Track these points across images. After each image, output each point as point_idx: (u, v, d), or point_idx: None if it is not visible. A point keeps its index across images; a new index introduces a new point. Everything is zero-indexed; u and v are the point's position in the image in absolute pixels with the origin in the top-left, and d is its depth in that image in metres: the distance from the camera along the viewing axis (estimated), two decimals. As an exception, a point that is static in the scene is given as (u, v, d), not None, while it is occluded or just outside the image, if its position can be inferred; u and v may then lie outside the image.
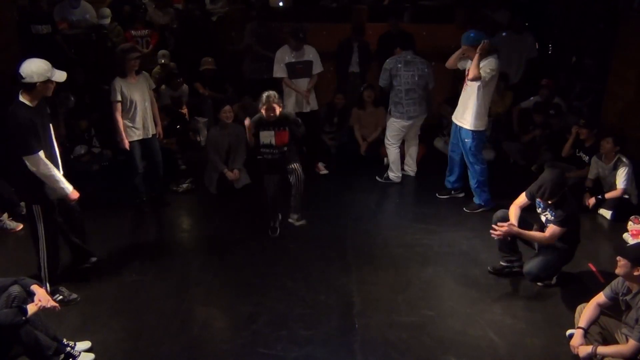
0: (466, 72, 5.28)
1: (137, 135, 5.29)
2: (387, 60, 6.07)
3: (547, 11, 8.13)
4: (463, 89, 5.45)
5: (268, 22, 7.63)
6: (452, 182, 5.90)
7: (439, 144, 7.15)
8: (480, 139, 5.49)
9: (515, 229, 4.17)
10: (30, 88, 3.71)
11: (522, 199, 4.33)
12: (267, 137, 4.71)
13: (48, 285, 4.02)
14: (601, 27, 7.36)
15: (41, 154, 3.73)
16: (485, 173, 5.53)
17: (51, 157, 3.87)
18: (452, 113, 5.71)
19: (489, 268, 4.54)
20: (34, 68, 3.69)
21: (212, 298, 4.25)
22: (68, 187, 3.92)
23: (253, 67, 7.62)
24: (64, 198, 3.97)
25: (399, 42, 6.40)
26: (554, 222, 4.09)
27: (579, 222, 4.27)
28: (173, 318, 3.95)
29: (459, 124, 5.48)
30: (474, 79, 5.14)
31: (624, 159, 5.38)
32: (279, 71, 6.14)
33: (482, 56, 5.10)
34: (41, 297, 3.27)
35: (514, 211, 4.29)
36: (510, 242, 4.38)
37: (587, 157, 5.84)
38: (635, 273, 3.24)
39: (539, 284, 4.33)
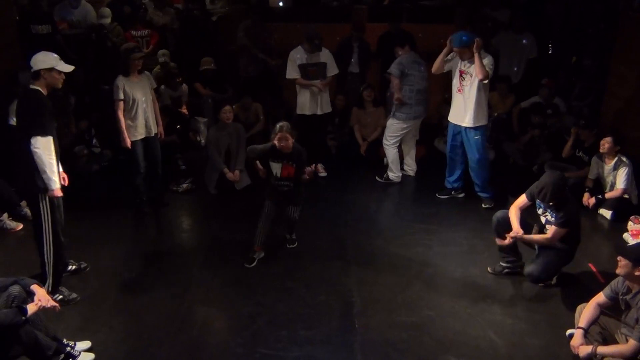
0: (459, 74, 5.32)
1: (139, 134, 5.29)
2: (404, 57, 5.95)
3: (547, 11, 8.13)
4: (458, 91, 5.44)
5: (261, 22, 7.61)
6: (452, 182, 5.90)
7: (439, 144, 7.15)
8: (485, 132, 5.60)
9: (520, 236, 4.19)
10: (36, 76, 3.83)
11: (522, 200, 4.32)
12: (274, 167, 4.66)
13: (51, 282, 3.99)
14: (601, 27, 7.36)
15: (51, 139, 3.77)
16: (490, 168, 5.66)
17: (57, 149, 3.91)
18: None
19: (489, 268, 4.55)
20: (39, 57, 3.85)
21: (212, 298, 4.25)
22: (57, 183, 3.87)
23: (247, 66, 7.61)
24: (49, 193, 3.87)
25: (404, 42, 6.28)
26: (556, 224, 4.09)
27: (579, 222, 4.27)
28: (173, 318, 3.95)
29: (463, 125, 5.47)
30: (484, 78, 5.16)
31: (624, 159, 5.38)
32: (292, 72, 6.09)
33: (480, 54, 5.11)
34: (41, 297, 3.26)
35: (514, 212, 4.28)
36: (510, 243, 4.38)
37: (587, 157, 5.83)
38: (636, 273, 3.24)
39: (540, 284, 4.33)
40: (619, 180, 5.38)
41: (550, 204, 4.12)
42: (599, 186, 5.66)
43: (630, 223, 5.12)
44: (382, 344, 3.71)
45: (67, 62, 4.02)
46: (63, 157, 4.23)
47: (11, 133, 4.56)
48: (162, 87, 6.99)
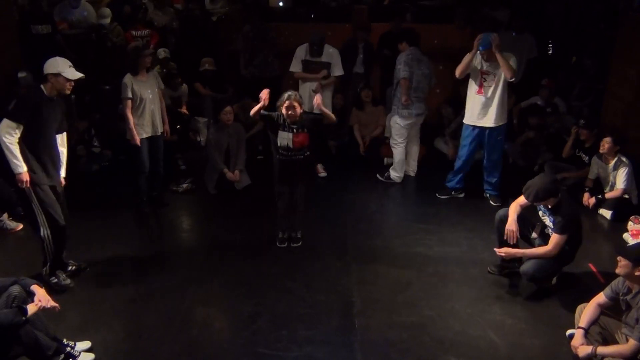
0: (480, 75, 5.32)
1: (145, 132, 5.31)
2: (406, 54, 5.90)
3: (547, 11, 8.13)
4: (477, 92, 5.43)
5: (261, 25, 7.59)
6: (454, 182, 5.90)
7: (440, 144, 7.15)
8: (506, 130, 5.68)
9: (513, 251, 4.18)
10: (44, 80, 3.98)
11: (522, 199, 4.31)
12: (285, 139, 4.48)
13: (48, 266, 4.13)
14: (601, 27, 7.36)
15: (17, 127, 3.82)
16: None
17: (47, 147, 4.03)
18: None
19: (489, 268, 4.54)
20: (50, 61, 3.98)
21: (212, 298, 4.25)
22: (22, 167, 3.90)
23: (248, 66, 7.60)
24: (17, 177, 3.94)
25: (406, 39, 6.16)
26: (555, 231, 4.07)
27: (580, 224, 4.23)
28: (173, 318, 3.95)
29: (486, 125, 5.47)
30: (513, 76, 5.24)
31: (624, 159, 5.38)
32: (295, 66, 6.23)
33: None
34: (41, 297, 3.27)
35: (514, 208, 4.28)
36: (507, 257, 4.36)
37: (587, 157, 5.84)
38: (637, 273, 3.24)
39: (542, 285, 4.32)
40: (619, 180, 5.38)
41: (550, 206, 4.10)
42: (599, 186, 5.66)
43: (630, 223, 5.12)
44: (382, 344, 3.70)
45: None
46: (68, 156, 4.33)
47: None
48: (162, 87, 6.99)
